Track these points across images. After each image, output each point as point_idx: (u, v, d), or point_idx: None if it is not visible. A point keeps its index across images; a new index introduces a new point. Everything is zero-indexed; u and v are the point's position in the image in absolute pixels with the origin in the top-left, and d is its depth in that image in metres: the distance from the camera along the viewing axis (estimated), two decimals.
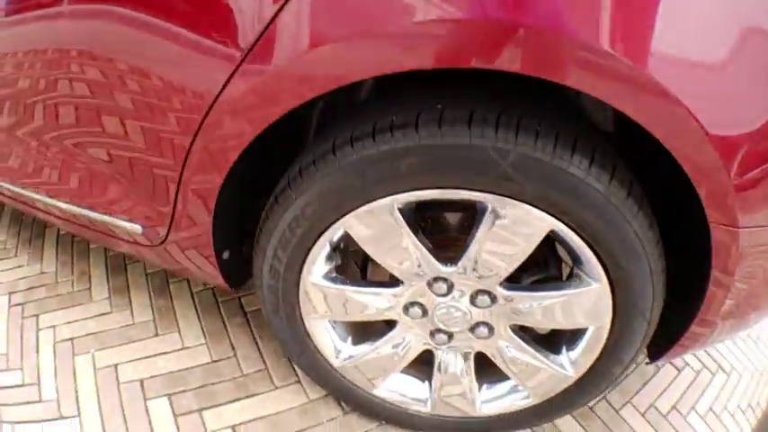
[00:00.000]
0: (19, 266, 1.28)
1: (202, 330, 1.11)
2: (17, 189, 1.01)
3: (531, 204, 0.57)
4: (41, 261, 1.30)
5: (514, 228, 0.59)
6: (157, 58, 0.63)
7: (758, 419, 1.30)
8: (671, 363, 1.21)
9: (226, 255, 0.84)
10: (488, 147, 0.54)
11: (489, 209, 0.59)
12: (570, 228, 0.58)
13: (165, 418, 0.93)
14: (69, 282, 1.23)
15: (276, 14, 0.52)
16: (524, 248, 0.61)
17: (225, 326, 1.12)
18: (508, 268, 0.64)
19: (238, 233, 0.84)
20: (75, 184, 0.87)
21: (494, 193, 0.57)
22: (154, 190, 0.77)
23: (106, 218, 0.87)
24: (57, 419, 0.93)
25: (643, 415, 1.07)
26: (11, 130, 0.90)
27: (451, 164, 0.56)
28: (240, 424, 0.92)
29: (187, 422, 0.92)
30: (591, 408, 1.05)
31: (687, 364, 1.21)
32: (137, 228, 0.84)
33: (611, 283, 0.62)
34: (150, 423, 0.92)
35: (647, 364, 0.86)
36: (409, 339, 0.80)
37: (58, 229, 1.40)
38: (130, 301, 1.17)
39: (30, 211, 1.08)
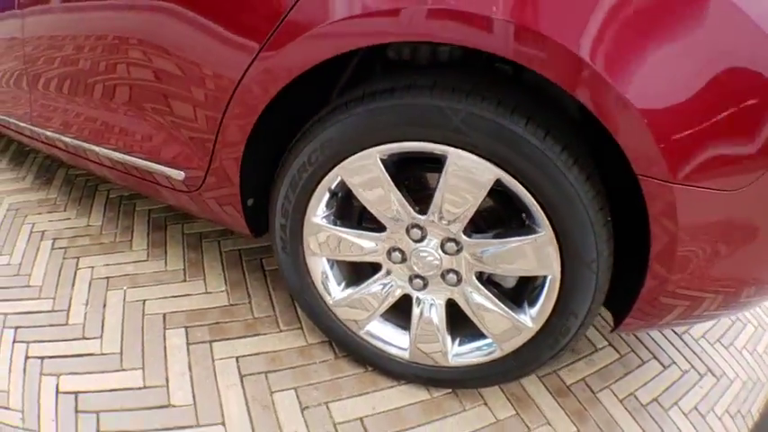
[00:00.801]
0: (67, 219, 1.54)
1: (225, 280, 1.31)
2: (74, 141, 1.27)
3: (479, 155, 0.73)
4: (89, 216, 1.55)
5: (467, 176, 0.76)
6: (200, 40, 0.85)
7: (755, 422, 1.35)
8: (657, 359, 1.29)
9: (250, 202, 1.05)
10: (443, 106, 0.71)
11: (448, 161, 0.76)
12: (514, 177, 0.73)
13: (179, 345, 1.12)
14: (113, 234, 1.47)
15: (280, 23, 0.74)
16: (477, 195, 0.77)
17: (245, 279, 1.32)
18: (466, 214, 0.80)
19: (262, 185, 1.03)
20: (128, 136, 1.11)
21: (449, 145, 0.74)
22: (196, 141, 0.98)
23: (153, 165, 1.09)
24: (79, 339, 1.13)
25: (621, 401, 1.15)
26: (77, 92, 1.16)
27: (417, 120, 0.74)
28: (243, 356, 1.11)
29: (198, 349, 1.11)
30: (568, 386, 1.15)
31: (674, 362, 1.29)
32: (178, 174, 1.06)
33: (555, 232, 0.76)
34: (165, 348, 1.12)
35: (611, 331, 0.97)
36: (391, 282, 0.96)
37: (108, 192, 1.67)
38: (166, 252, 1.40)
39: (82, 163, 1.33)
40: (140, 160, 1.12)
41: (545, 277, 0.83)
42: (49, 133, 1.36)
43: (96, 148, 1.21)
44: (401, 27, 0.68)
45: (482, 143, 0.72)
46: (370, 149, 0.80)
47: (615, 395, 1.16)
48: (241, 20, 0.81)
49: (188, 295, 1.26)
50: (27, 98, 1.40)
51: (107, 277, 1.30)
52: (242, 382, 1.04)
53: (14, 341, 1.12)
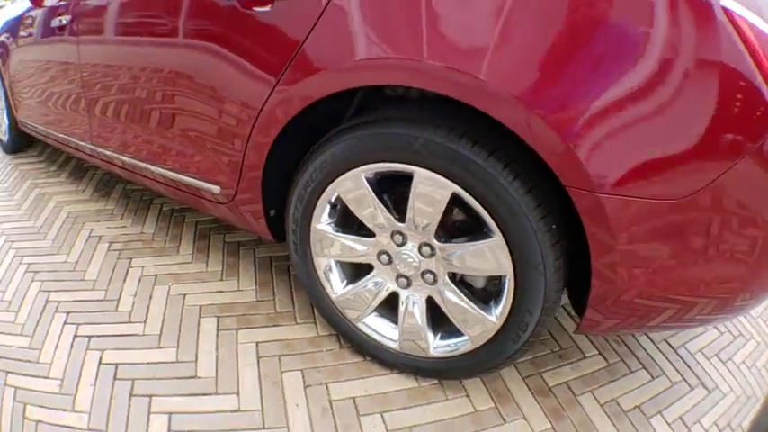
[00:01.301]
0: (123, 227, 1.87)
1: (255, 281, 1.56)
2: (131, 160, 1.57)
3: (437, 173, 0.92)
4: (143, 225, 1.87)
5: (430, 191, 0.95)
6: (234, 77, 1.11)
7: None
8: (646, 369, 1.38)
9: (272, 213, 1.29)
10: (407, 134, 0.92)
11: (414, 178, 0.96)
12: (466, 191, 0.92)
13: (210, 330, 1.37)
14: (163, 240, 1.78)
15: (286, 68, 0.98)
16: (439, 207, 0.97)
17: (272, 280, 1.57)
18: (434, 222, 0.99)
19: (282, 198, 1.27)
20: (177, 156, 1.39)
21: (414, 165, 0.94)
22: (228, 162, 1.24)
23: (197, 181, 1.37)
24: (125, 322, 1.40)
25: (601, 405, 1.25)
26: (113, 116, 1.46)
27: (389, 145, 0.96)
28: (263, 341, 1.34)
29: (225, 334, 1.36)
30: (549, 387, 1.28)
31: (664, 373, 1.37)
32: (214, 188, 1.32)
33: (504, 238, 0.94)
34: (198, 332, 1.37)
35: (574, 331, 1.10)
36: (381, 281, 1.16)
37: (161, 206, 1.99)
38: (208, 257, 1.68)
39: (138, 179, 1.64)
40: (188, 177, 1.40)
41: (504, 278, 1.00)
42: (107, 152, 1.69)
43: (151, 167, 1.51)
44: (359, 78, 0.90)
45: (438, 164, 0.92)
46: (356, 169, 1.02)
47: (596, 399, 1.27)
48: (261, 60, 1.06)
49: (222, 291, 1.52)
50: (86, 120, 1.73)
51: (155, 275, 1.59)
52: (258, 362, 1.27)
53: (65, 323, 1.41)
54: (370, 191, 1.04)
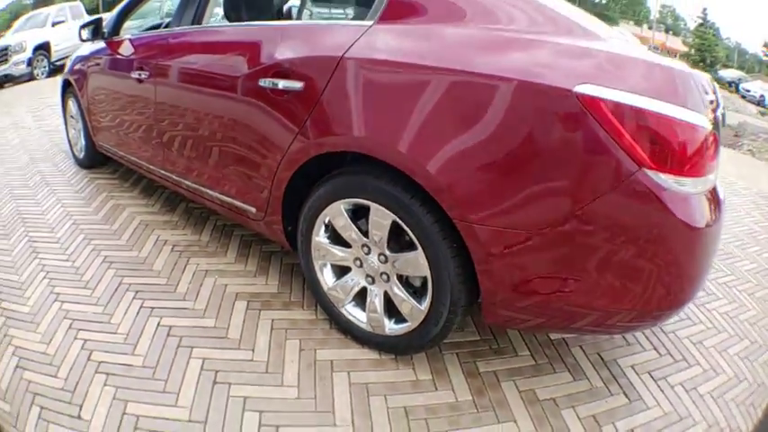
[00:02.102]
0: (184, 234, 2.56)
1: (279, 279, 2.19)
2: (193, 184, 2.25)
3: (383, 207, 1.50)
4: (200, 234, 2.56)
5: (380, 218, 1.53)
6: (270, 129, 1.75)
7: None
8: (569, 371, 1.77)
9: (289, 228, 1.90)
10: (365, 180, 1.51)
11: (371, 209, 1.54)
12: (401, 219, 1.48)
13: (241, 309, 1.99)
14: (214, 246, 2.45)
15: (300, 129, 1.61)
16: (385, 229, 1.54)
17: (291, 279, 2.19)
18: (384, 239, 1.56)
19: (296, 219, 1.88)
20: (229, 183, 2.05)
21: (370, 200, 1.53)
22: (261, 189, 1.88)
23: (240, 203, 2.02)
24: (179, 299, 2.03)
25: (520, 392, 1.67)
26: (178, 149, 2.14)
27: (355, 187, 1.55)
28: (276, 319, 1.94)
29: (251, 313, 1.97)
30: (480, 372, 1.77)
31: (586, 378, 1.74)
32: (252, 209, 1.96)
33: (423, 250, 1.49)
34: (232, 310, 1.99)
35: (486, 322, 1.60)
36: (356, 278, 1.73)
37: (216, 221, 2.67)
38: (246, 260, 2.33)
39: (199, 200, 2.31)
40: (234, 200, 2.05)
41: (426, 278, 1.54)
42: (174, 176, 2.38)
43: (209, 191, 2.18)
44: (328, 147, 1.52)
45: (383, 201, 1.50)
46: (339, 201, 1.62)
47: (516, 387, 1.69)
48: (285, 121, 1.69)
49: (254, 285, 2.16)
50: (157, 148, 2.42)
51: (206, 270, 2.25)
52: (271, 332, 1.87)
53: (134, 298, 2.05)
54: (347, 216, 1.63)
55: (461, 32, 1.41)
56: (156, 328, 1.89)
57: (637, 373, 1.86)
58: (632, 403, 1.72)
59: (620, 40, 1.59)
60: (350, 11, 2.56)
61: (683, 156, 1.24)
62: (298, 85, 1.63)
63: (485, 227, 1.35)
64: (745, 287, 2.68)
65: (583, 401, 1.69)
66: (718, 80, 19.21)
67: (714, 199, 1.43)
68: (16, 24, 12.83)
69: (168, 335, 1.86)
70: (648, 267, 1.31)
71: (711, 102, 1.40)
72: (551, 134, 1.25)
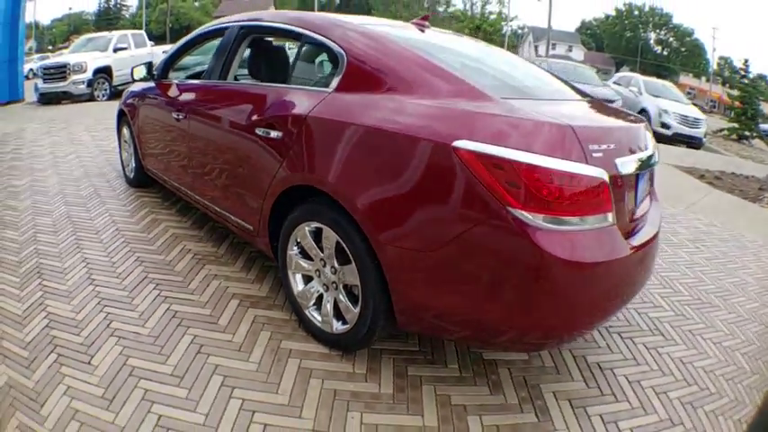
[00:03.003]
0: (205, 247, 3.22)
1: (270, 287, 2.77)
2: (210, 204, 2.93)
3: (331, 229, 2.05)
4: (218, 248, 3.21)
5: (329, 238, 2.08)
6: (262, 164, 2.37)
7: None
8: (489, 387, 2.20)
9: (274, 243, 2.48)
10: (321, 209, 2.09)
11: (324, 231, 2.09)
12: (342, 239, 2.02)
13: (234, 305, 2.58)
14: (227, 257, 3.09)
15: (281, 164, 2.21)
16: (333, 247, 2.08)
17: (279, 288, 2.75)
18: (332, 255, 2.10)
19: (278, 236, 2.46)
20: (239, 207, 2.68)
21: (324, 225, 2.09)
22: (256, 212, 2.49)
23: (240, 221, 2.64)
24: (190, 293, 2.66)
25: (436, 396, 2.14)
26: (204, 177, 2.84)
27: (314, 213, 2.13)
28: (259, 315, 2.51)
29: (241, 309, 2.55)
30: (407, 374, 2.20)
31: (503, 394, 2.18)
32: (251, 227, 2.58)
33: (355, 263, 2.00)
34: (227, 305, 2.58)
35: (397, 327, 2.05)
36: (317, 286, 2.26)
37: (233, 238, 3.31)
38: (249, 270, 2.94)
39: (222, 221, 2.96)
40: (241, 221, 2.67)
41: (358, 287, 2.04)
42: (200, 199, 3.05)
43: (233, 217, 2.82)
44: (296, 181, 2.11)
45: (331, 224, 2.05)
46: (303, 224, 2.20)
47: (434, 391, 2.12)
48: (274, 156, 2.30)
49: (249, 289, 2.75)
50: (189, 176, 3.12)
51: (215, 275, 2.89)
52: (252, 323, 2.45)
53: (153, 288, 2.71)
54: (309, 236, 2.19)
55: (387, 99, 1.98)
56: (165, 311, 2.52)
57: (556, 399, 2.18)
58: (540, 423, 2.03)
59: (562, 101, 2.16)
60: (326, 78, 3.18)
61: (548, 197, 1.63)
62: (279, 134, 2.26)
63: (390, 246, 1.86)
64: (712, 336, 2.88)
65: (491, 412, 2.04)
66: (760, 133, 18.83)
67: (619, 237, 1.80)
68: (75, 43, 13.96)
69: (173, 317, 2.48)
70: (521, 292, 1.72)
71: (614, 151, 1.78)
72: (438, 177, 1.76)
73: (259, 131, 2.36)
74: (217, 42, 3.06)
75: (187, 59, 3.66)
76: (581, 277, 1.73)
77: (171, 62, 3.59)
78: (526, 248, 1.64)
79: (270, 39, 3.00)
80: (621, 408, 2.19)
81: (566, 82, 2.74)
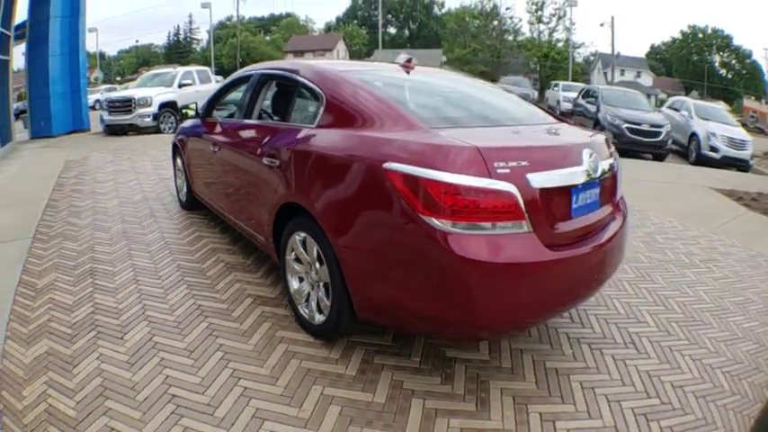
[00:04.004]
0: (237, 257, 3.91)
1: (280, 289, 3.38)
2: (237, 222, 3.64)
3: (311, 237, 2.64)
4: (247, 258, 3.89)
5: (311, 245, 2.66)
6: (268, 187, 3.03)
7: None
8: (441, 378, 2.62)
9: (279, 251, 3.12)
10: (305, 223, 2.68)
11: (307, 240, 2.69)
12: (318, 246, 2.59)
13: (249, 302, 3.21)
14: (253, 267, 3.75)
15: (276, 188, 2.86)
16: (314, 251, 2.66)
17: (288, 290, 3.36)
18: (314, 258, 2.67)
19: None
20: (250, 222, 3.36)
21: (308, 235, 2.68)
22: (265, 225, 3.14)
23: (257, 234, 3.31)
24: (215, 292, 3.34)
25: (392, 380, 2.60)
26: (232, 199, 3.58)
27: (301, 224, 2.73)
28: (266, 311, 3.12)
29: (253, 306, 3.18)
30: (373, 361, 2.69)
31: (452, 386, 2.60)
32: (262, 238, 3.23)
33: (327, 264, 2.55)
34: (242, 302, 3.21)
35: (357, 321, 2.55)
36: (306, 286, 2.84)
37: (260, 252, 3.96)
38: (268, 276, 3.59)
39: (249, 237, 3.64)
40: (257, 234, 3.34)
41: (329, 284, 2.59)
42: (233, 218, 3.77)
43: (252, 231, 3.49)
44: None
45: (311, 233, 2.64)
46: (294, 234, 2.80)
47: (392, 377, 2.58)
48: (275, 180, 2.94)
49: (264, 290, 3.38)
50: (224, 197, 3.84)
51: (240, 279, 3.55)
52: (258, 317, 3.05)
53: (186, 288, 3.41)
54: (299, 244, 2.78)
55: (348, 132, 2.55)
56: (191, 305, 3.21)
57: (501, 395, 2.48)
58: (477, 412, 2.34)
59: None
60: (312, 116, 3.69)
61: (454, 206, 2.05)
62: (278, 162, 2.90)
63: (344, 249, 2.41)
64: (693, 352, 2.98)
65: (435, 398, 2.41)
66: None
67: (536, 242, 2.15)
68: (142, 77, 15.05)
69: (197, 309, 3.16)
70: (440, 286, 2.15)
71: (525, 168, 2.14)
72: (374, 191, 2.29)
73: (265, 160, 3.03)
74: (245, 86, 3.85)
75: (228, 98, 4.48)
76: (491, 276, 2.10)
77: (213, 102, 4.42)
78: (438, 249, 2.10)
79: (281, 83, 3.64)
80: (564, 410, 2.40)
81: (547, 111, 3.24)
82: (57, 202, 5.61)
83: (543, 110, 3.30)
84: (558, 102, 21.89)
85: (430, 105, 3.00)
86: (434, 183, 2.10)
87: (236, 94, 4.20)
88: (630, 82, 41.21)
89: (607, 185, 2.71)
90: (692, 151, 12.49)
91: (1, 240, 4.46)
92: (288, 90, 3.35)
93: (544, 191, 2.25)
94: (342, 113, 2.67)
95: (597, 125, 11.97)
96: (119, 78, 51.68)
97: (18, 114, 20.00)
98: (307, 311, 2.87)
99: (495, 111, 3.06)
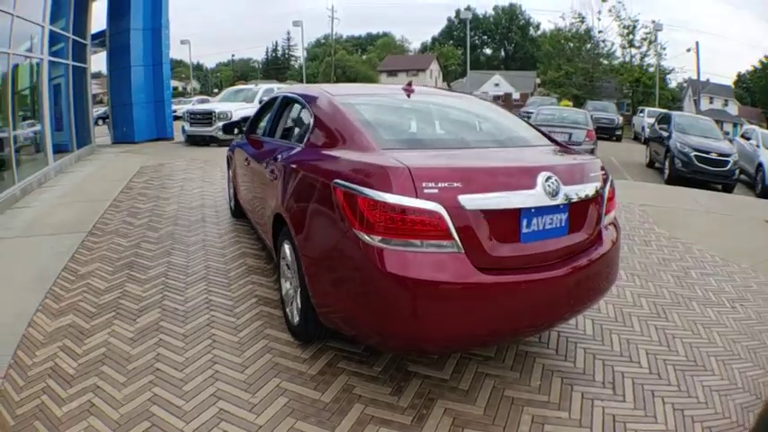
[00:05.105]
0: (259, 262, 4.42)
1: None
2: (255, 226, 4.20)
3: (292, 245, 3.06)
4: (268, 263, 4.37)
5: (292, 251, 3.09)
6: (272, 197, 3.52)
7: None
8: (392, 387, 2.89)
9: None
10: (290, 231, 3.12)
11: (290, 247, 3.12)
12: (295, 252, 3.01)
13: (253, 302, 3.71)
14: (269, 270, 4.24)
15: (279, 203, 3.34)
16: (289, 258, 3.08)
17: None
18: (294, 262, 3.09)
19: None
20: (263, 228, 3.86)
21: (289, 243, 3.11)
22: (268, 230, 3.63)
23: (266, 240, 3.81)
24: (224, 293, 3.89)
25: (345, 384, 2.93)
26: (254, 205, 4.16)
27: (287, 234, 3.15)
28: (264, 311, 3.58)
29: (256, 305, 3.67)
30: (337, 366, 3.03)
31: (399, 397, 2.87)
32: (269, 243, 3.73)
33: (299, 270, 2.95)
34: (248, 302, 3.72)
35: (326, 327, 2.91)
36: (291, 290, 3.27)
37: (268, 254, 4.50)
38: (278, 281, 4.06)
39: (268, 245, 4.17)
40: (266, 240, 3.85)
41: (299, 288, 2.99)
42: (255, 226, 4.32)
43: (267, 242, 4.01)
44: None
45: (290, 244, 3.05)
46: (283, 243, 3.24)
47: (348, 381, 2.93)
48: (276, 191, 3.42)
49: (270, 293, 3.86)
50: (249, 204, 4.40)
51: (254, 282, 4.05)
52: (255, 314, 3.53)
53: (204, 282, 3.99)
54: (287, 251, 3.22)
55: (321, 151, 2.94)
56: (203, 299, 3.76)
57: (443, 414, 2.58)
58: (411, 427, 2.49)
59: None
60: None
61: (380, 221, 2.28)
62: (275, 176, 3.39)
63: (304, 257, 2.80)
64: (678, 401, 2.80)
65: (378, 407, 2.62)
66: None
67: (466, 263, 2.29)
68: (225, 92, 15.88)
69: (206, 302, 3.71)
70: (372, 298, 2.40)
71: (456, 189, 2.28)
72: (325, 204, 2.65)
73: (269, 175, 3.53)
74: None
75: (264, 117, 5.10)
76: (416, 292, 2.26)
77: (255, 121, 5.05)
78: (367, 263, 2.35)
79: (294, 105, 4.06)
80: None
81: (545, 134, 3.39)
82: (120, 203, 6.49)
83: (543, 134, 3.41)
84: (643, 128, 22.29)
85: (397, 127, 3.30)
86: (366, 199, 2.35)
87: (269, 114, 4.81)
88: (719, 110, 40.27)
89: (582, 211, 2.73)
90: (758, 182, 11.93)
91: (60, 233, 5.37)
92: (297, 112, 3.86)
93: (482, 212, 2.36)
94: (325, 134, 3.08)
95: (668, 152, 12.01)
96: (216, 90, 55.08)
97: (101, 119, 20.77)
98: (290, 313, 3.28)
99: (468, 133, 3.32)
